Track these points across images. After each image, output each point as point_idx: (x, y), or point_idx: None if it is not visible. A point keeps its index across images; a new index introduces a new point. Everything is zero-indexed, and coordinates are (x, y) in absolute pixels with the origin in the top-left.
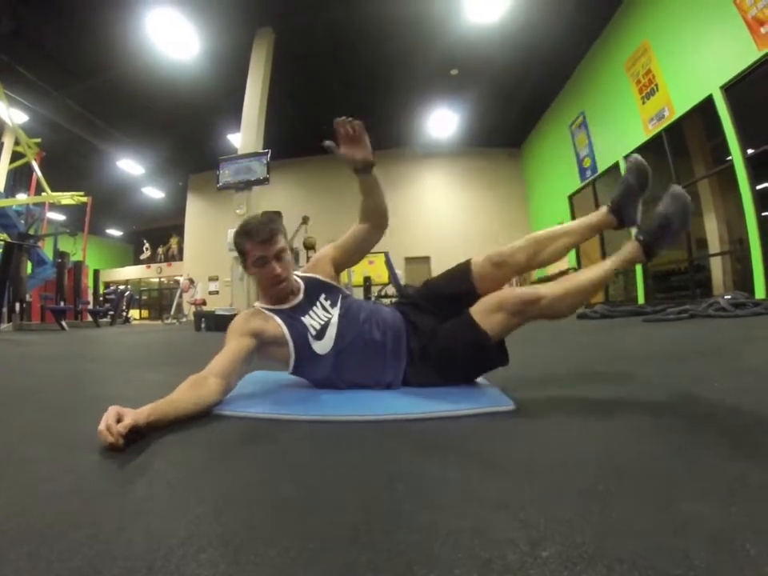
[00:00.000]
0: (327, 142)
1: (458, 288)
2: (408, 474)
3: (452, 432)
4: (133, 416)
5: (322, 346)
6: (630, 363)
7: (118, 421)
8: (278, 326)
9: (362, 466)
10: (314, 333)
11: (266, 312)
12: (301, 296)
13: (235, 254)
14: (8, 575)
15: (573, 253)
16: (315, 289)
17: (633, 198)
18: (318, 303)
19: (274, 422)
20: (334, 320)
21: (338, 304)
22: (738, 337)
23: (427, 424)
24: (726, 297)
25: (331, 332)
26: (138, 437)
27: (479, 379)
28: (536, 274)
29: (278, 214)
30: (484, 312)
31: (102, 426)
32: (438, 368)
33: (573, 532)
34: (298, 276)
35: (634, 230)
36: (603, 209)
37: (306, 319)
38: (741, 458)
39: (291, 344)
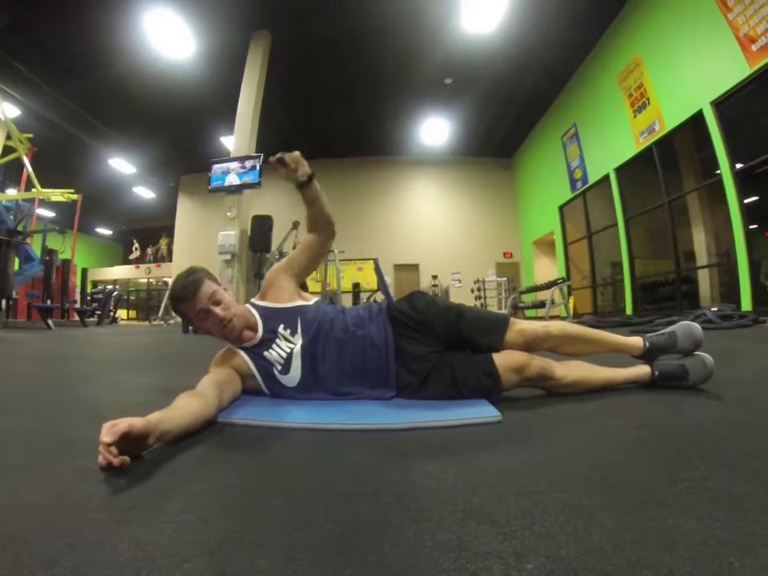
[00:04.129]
0: (272, 158)
1: (486, 339)
2: (395, 485)
3: (439, 443)
4: (127, 422)
5: (289, 380)
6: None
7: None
8: (245, 362)
9: (350, 477)
10: (279, 368)
11: (235, 349)
12: (260, 332)
13: (226, 257)
14: None
15: (562, 265)
16: (271, 320)
17: (669, 353)
18: (278, 335)
19: (262, 430)
20: (297, 350)
21: (299, 330)
22: (724, 349)
23: (414, 434)
24: (712, 309)
25: (296, 364)
26: (141, 448)
27: None
28: (526, 298)
29: (269, 218)
30: (504, 368)
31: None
32: (433, 392)
33: (557, 545)
34: (253, 304)
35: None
36: (639, 342)
37: (269, 354)
38: (726, 472)
39: (260, 378)
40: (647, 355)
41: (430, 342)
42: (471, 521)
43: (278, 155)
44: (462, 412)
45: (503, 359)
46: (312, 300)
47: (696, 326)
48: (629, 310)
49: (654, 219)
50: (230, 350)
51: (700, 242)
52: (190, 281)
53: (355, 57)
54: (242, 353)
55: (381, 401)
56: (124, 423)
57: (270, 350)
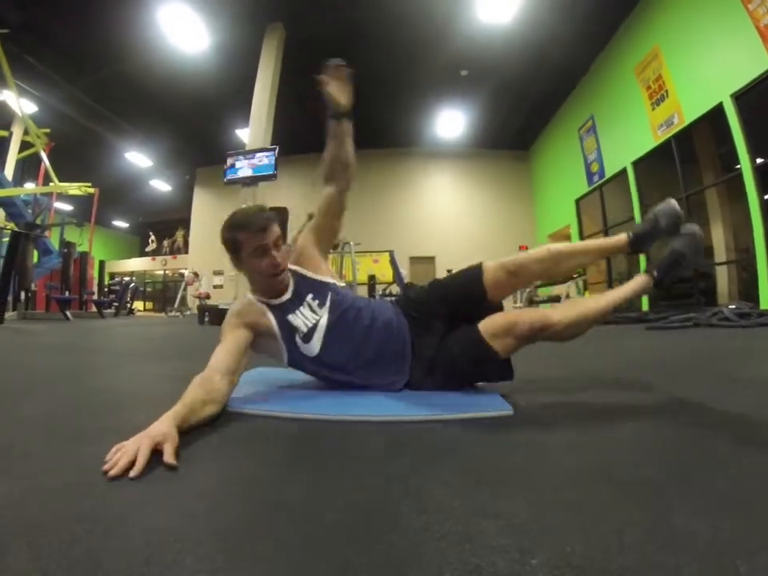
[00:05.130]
0: (319, 76)
1: (469, 293)
2: (405, 477)
3: (450, 436)
4: (171, 441)
5: (309, 349)
6: (631, 371)
7: (155, 451)
8: (269, 319)
9: (360, 468)
10: (301, 335)
11: (258, 304)
12: (289, 294)
13: None
14: (9, 565)
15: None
16: (303, 287)
17: (655, 237)
18: (305, 303)
19: (275, 420)
20: (322, 322)
21: (327, 304)
22: (740, 347)
23: (426, 427)
24: (730, 306)
25: (318, 335)
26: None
27: (479, 384)
28: (539, 290)
29: (285, 210)
30: (493, 334)
31: (126, 458)
32: (442, 376)
33: (563, 541)
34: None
35: (647, 266)
36: (623, 237)
37: (292, 318)
38: (738, 472)
39: (281, 340)
40: (635, 245)
41: (435, 327)
42: (478, 514)
43: (338, 62)
44: (474, 406)
45: (489, 324)
46: (341, 282)
47: (671, 200)
48: (645, 306)
49: None
50: (251, 304)
51: (718, 238)
52: (263, 215)
53: (369, 49)
54: (267, 311)
55: (392, 392)
56: (171, 446)
57: (295, 315)
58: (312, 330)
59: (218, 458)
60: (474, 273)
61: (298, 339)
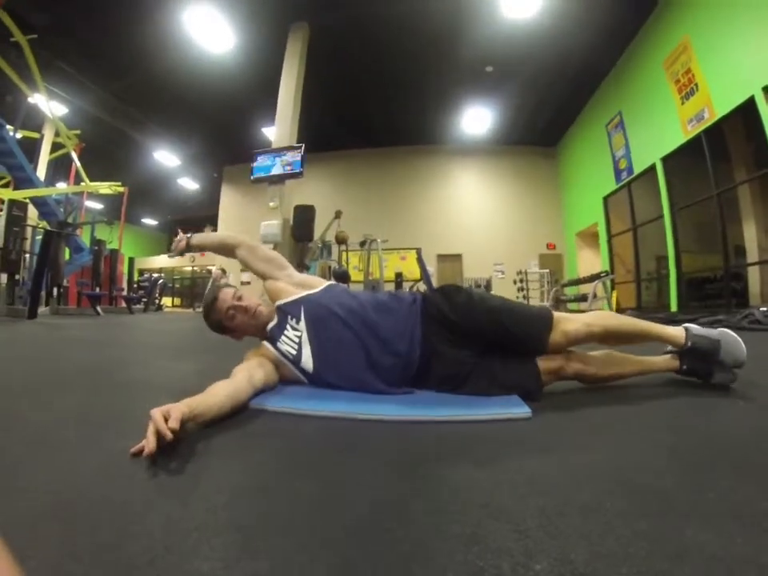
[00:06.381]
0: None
1: (526, 344)
2: (417, 477)
3: (466, 437)
4: (176, 409)
5: (305, 366)
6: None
7: (173, 444)
8: (271, 350)
9: (374, 466)
10: (291, 358)
11: (265, 343)
12: (273, 322)
13: (269, 246)
14: (40, 546)
15: (606, 258)
16: (283, 313)
17: (708, 361)
18: (287, 325)
19: (294, 417)
20: (304, 336)
21: (302, 317)
22: None
23: (442, 427)
24: (761, 309)
25: (306, 351)
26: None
27: None
28: (568, 290)
29: (311, 208)
30: (543, 370)
31: (151, 434)
32: (473, 390)
33: (568, 548)
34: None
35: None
36: (675, 363)
37: (280, 346)
38: (755, 486)
39: (289, 364)
40: (686, 355)
41: (467, 344)
42: (488, 517)
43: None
44: (492, 407)
45: (542, 363)
46: (320, 287)
47: (741, 343)
48: (674, 307)
49: (703, 212)
50: (261, 344)
51: (751, 237)
52: (208, 293)
53: (394, 46)
54: (266, 344)
55: (409, 393)
56: (177, 411)
57: (281, 341)
58: (299, 348)
59: (238, 453)
60: (544, 327)
61: (290, 364)
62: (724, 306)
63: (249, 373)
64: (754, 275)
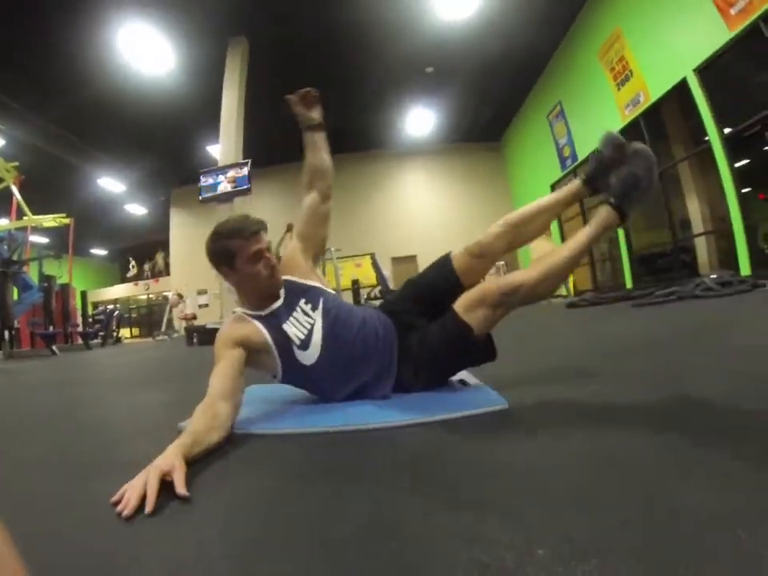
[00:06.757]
0: (288, 96)
1: (443, 284)
2: (407, 481)
3: (447, 437)
4: (179, 470)
5: (307, 356)
6: (621, 352)
7: (163, 480)
8: (260, 332)
9: (362, 476)
10: (298, 342)
11: (248, 318)
12: (281, 300)
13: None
14: None
15: (559, 243)
16: (294, 292)
17: (607, 170)
18: (298, 308)
19: (277, 438)
20: (318, 326)
21: (320, 307)
22: (725, 317)
23: (423, 429)
24: (711, 276)
25: (316, 341)
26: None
27: (471, 380)
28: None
29: (262, 223)
30: (466, 307)
31: (136, 493)
32: (429, 370)
33: (566, 530)
34: None
35: (603, 195)
36: (577, 181)
37: (287, 327)
38: (732, 449)
39: (276, 353)
40: (590, 184)
41: (418, 326)
42: (483, 511)
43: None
44: (468, 404)
45: (462, 300)
46: (330, 289)
47: (609, 130)
48: (629, 284)
49: None
50: (241, 320)
51: (695, 209)
52: (254, 219)
53: (333, 54)
54: (258, 324)
55: (383, 398)
56: (181, 474)
57: (289, 323)
58: (309, 335)
59: (226, 482)
60: (444, 264)
61: (294, 349)
62: (676, 277)
63: (232, 402)
64: (700, 246)
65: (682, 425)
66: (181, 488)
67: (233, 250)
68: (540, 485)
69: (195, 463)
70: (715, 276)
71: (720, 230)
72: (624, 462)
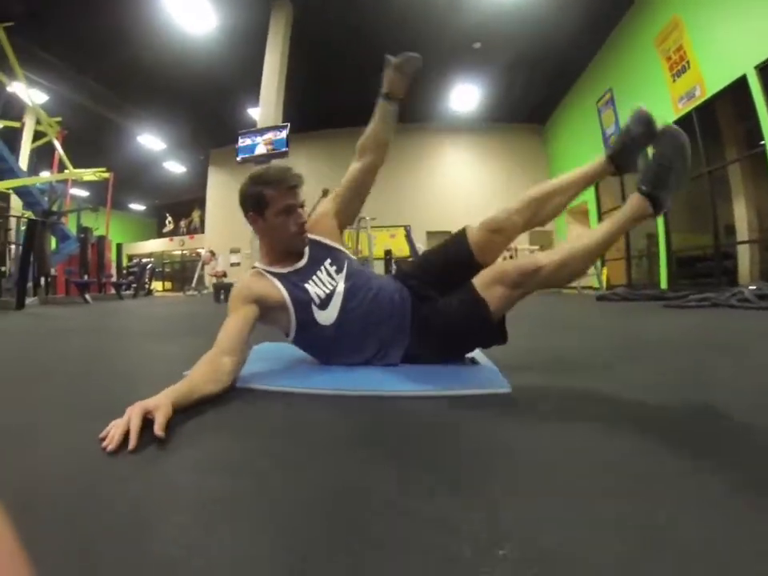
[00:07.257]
0: (389, 56)
1: (455, 257)
2: (390, 453)
3: (443, 412)
4: (164, 410)
5: (325, 316)
6: (643, 351)
7: (146, 419)
8: (278, 290)
9: (348, 443)
10: (318, 302)
11: (267, 275)
12: (305, 259)
13: None
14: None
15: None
16: (320, 252)
17: (634, 148)
18: (322, 269)
19: (273, 395)
20: (340, 288)
21: (344, 271)
22: (758, 330)
23: (421, 402)
24: (750, 287)
25: (336, 302)
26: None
27: (481, 359)
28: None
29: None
30: (484, 284)
31: (120, 430)
32: (440, 342)
33: (538, 533)
34: None
35: (637, 183)
36: (602, 157)
37: (309, 286)
38: (731, 468)
39: (292, 311)
40: (616, 160)
41: (431, 297)
42: (459, 498)
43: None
44: (471, 382)
45: (479, 278)
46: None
47: (640, 106)
48: (663, 284)
49: (693, 190)
50: (259, 276)
51: (741, 215)
52: (296, 173)
53: (379, 24)
54: (276, 282)
55: (392, 365)
56: (163, 415)
57: (311, 282)
58: (329, 296)
59: (213, 434)
60: (459, 238)
61: (314, 307)
62: (714, 284)
63: (238, 357)
64: (743, 254)
65: (691, 432)
66: (159, 429)
67: (267, 197)
68: (524, 480)
69: (187, 411)
70: (755, 287)
71: (766, 240)
72: (620, 468)
